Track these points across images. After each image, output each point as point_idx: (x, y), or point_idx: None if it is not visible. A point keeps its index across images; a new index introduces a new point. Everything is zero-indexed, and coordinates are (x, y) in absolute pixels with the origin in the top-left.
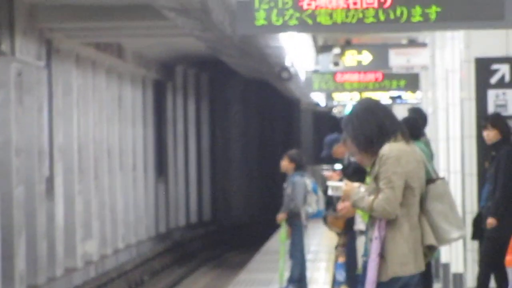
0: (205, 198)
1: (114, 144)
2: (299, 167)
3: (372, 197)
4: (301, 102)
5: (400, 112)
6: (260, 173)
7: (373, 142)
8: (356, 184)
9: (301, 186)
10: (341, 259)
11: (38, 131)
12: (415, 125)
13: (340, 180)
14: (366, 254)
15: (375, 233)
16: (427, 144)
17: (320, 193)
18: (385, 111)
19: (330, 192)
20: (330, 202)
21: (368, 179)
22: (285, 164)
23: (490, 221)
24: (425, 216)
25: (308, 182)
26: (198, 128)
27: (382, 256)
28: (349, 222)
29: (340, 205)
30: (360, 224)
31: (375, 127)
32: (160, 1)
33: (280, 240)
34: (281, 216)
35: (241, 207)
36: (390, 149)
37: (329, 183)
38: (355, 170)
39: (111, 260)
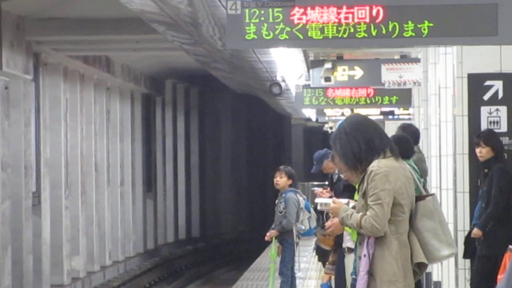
0: (194, 214)
1: (102, 159)
2: (293, 183)
3: (360, 214)
4: (291, 117)
5: (392, 129)
6: (250, 189)
7: (362, 158)
8: (344, 201)
9: (294, 203)
10: (325, 279)
11: (25, 145)
12: (406, 146)
13: (331, 197)
14: (355, 272)
15: (364, 251)
16: (421, 160)
17: (312, 210)
18: (374, 127)
19: (319, 208)
20: (321, 219)
21: (357, 196)
22: (284, 180)
23: (476, 233)
24: (415, 234)
25: (301, 199)
26: (187, 143)
27: (370, 274)
28: (339, 240)
29: (328, 223)
30: (348, 242)
31: (364, 143)
32: (150, 15)
33: (270, 257)
34: (272, 233)
35: (230, 224)
36: (379, 165)
37: (318, 199)
38: (345, 187)
39: (98, 276)
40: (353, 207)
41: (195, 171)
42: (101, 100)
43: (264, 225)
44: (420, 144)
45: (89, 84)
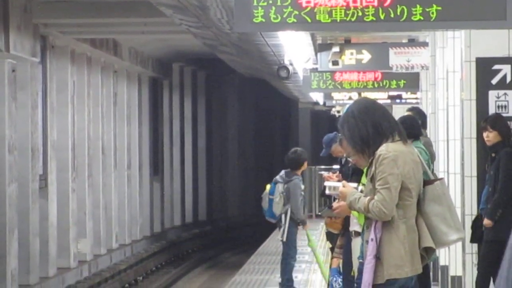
0: (200, 197)
1: (109, 142)
2: None
3: (367, 198)
4: (299, 101)
5: (400, 113)
6: (257, 173)
7: (370, 142)
8: (353, 185)
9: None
10: (335, 264)
11: (32, 128)
12: (413, 124)
13: (339, 181)
14: (362, 256)
15: (371, 235)
16: (429, 145)
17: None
18: (382, 111)
19: (328, 192)
20: (328, 202)
21: (364, 180)
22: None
23: (486, 222)
24: (423, 218)
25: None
26: (195, 127)
27: (378, 258)
28: (347, 224)
29: (335, 205)
30: (355, 225)
31: (371, 127)
32: None
33: (311, 245)
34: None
35: (237, 207)
36: (387, 149)
37: (327, 183)
38: (354, 171)
39: (105, 259)
40: (361, 191)
41: (202, 154)
42: (108, 83)
43: None
44: (427, 129)
45: (96, 67)
